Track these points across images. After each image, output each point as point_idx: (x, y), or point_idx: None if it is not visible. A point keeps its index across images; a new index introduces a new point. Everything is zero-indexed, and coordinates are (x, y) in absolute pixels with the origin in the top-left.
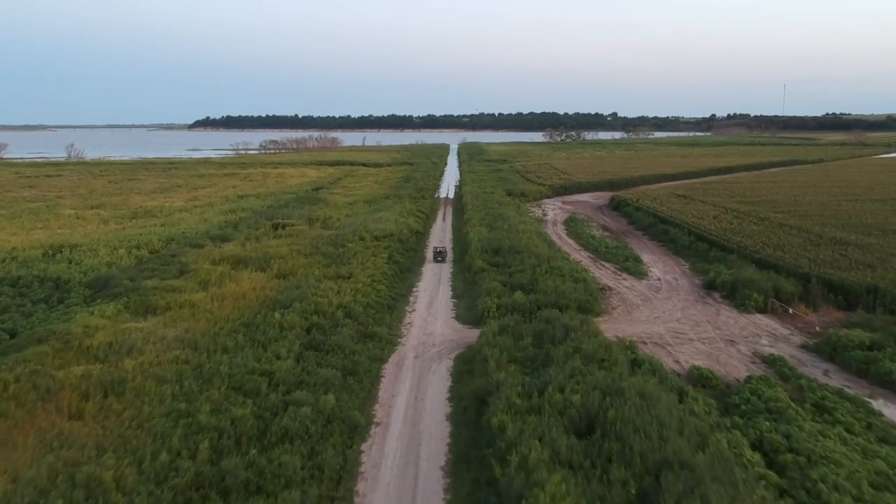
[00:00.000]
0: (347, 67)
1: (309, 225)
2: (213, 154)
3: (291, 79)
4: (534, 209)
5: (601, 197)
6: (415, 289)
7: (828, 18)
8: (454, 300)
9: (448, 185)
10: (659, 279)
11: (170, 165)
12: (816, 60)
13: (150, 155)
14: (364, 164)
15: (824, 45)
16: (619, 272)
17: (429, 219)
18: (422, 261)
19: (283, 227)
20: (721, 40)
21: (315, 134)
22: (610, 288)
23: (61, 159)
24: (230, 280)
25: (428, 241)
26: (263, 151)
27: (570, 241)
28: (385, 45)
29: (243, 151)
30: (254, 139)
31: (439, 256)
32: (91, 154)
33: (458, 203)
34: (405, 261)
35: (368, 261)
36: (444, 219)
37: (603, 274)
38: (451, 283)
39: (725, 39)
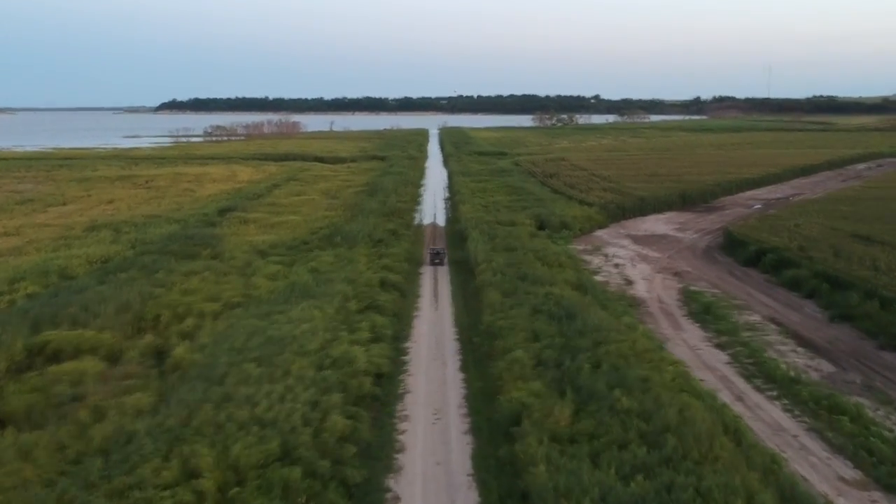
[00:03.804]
0: (321, 48)
1: (122, 348)
2: (149, 142)
3: (263, 59)
4: (591, 258)
5: (686, 225)
6: None
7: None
8: None
9: (434, 195)
10: None
11: (62, 162)
12: (798, 42)
13: (75, 144)
14: (321, 160)
15: (806, 26)
16: None
17: (404, 300)
18: None
19: (54, 358)
20: (702, 21)
21: (273, 117)
22: None
23: None
24: None
25: (403, 425)
26: (209, 139)
27: (800, 434)
28: (360, 25)
29: (184, 140)
30: (209, 123)
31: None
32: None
33: (456, 240)
34: None
35: None
36: (435, 305)
37: None
38: None
39: (706, 20)
